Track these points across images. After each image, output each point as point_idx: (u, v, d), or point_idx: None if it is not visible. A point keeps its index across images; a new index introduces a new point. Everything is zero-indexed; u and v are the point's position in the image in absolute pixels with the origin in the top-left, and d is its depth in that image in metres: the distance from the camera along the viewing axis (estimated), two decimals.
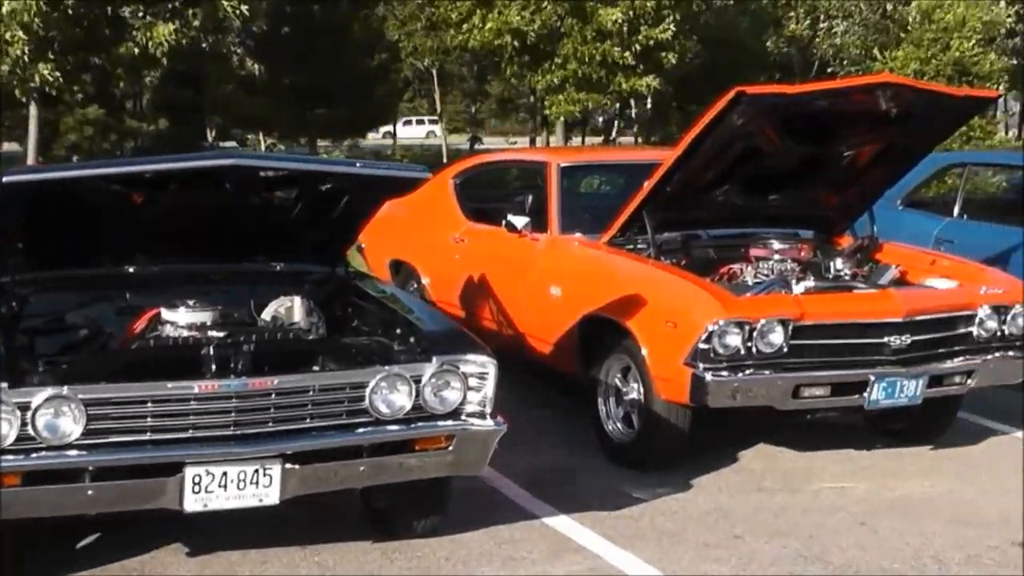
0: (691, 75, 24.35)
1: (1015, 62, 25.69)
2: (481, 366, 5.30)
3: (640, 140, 33.27)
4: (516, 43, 21.81)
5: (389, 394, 5.14)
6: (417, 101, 50.46)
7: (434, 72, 37.33)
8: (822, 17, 25.40)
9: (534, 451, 7.24)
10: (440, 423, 5.25)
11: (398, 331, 5.60)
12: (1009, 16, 23.50)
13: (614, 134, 40.91)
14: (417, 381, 5.18)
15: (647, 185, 7.26)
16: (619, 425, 7.22)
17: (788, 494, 6.72)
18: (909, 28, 21.18)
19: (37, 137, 21.82)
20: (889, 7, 22.40)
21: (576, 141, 41.01)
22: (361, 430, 5.14)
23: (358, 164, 6.20)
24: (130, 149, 25.82)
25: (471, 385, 5.28)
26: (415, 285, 9.78)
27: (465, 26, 22.46)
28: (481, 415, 5.31)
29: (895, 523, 6.28)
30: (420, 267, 9.78)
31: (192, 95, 28.97)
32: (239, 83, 29.61)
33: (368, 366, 5.21)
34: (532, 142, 44.08)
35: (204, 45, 22.91)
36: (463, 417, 5.28)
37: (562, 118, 23.98)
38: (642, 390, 6.91)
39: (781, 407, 6.67)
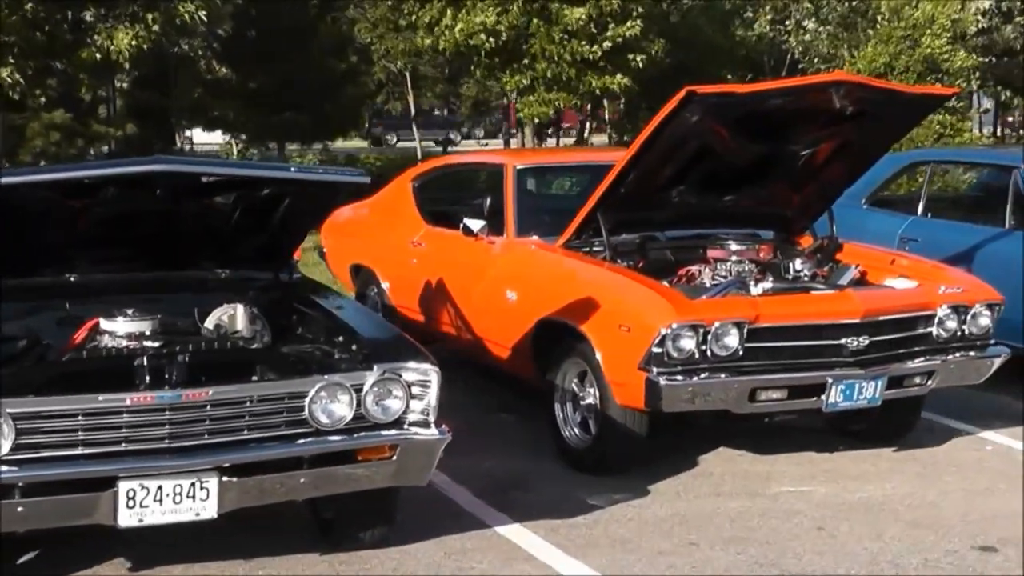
0: (661, 74, 24.22)
1: (985, 59, 25.65)
2: (423, 374, 5.18)
3: (612, 140, 33.18)
4: (492, 41, 21.71)
5: (329, 404, 5.03)
6: (391, 104, 50.26)
7: (407, 75, 37.10)
8: (791, 15, 25.37)
9: (489, 457, 7.14)
10: (383, 433, 5.14)
11: (339, 339, 5.49)
12: (976, 18, 23.48)
13: (586, 134, 40.79)
14: (358, 390, 5.07)
15: (601, 187, 7.16)
16: (576, 430, 7.13)
17: (747, 499, 6.64)
18: (878, 26, 21.14)
19: (2, 143, 21.56)
20: (856, 2, 22.40)
21: (551, 142, 40.93)
22: (301, 441, 5.03)
23: (293, 169, 6.11)
24: (102, 155, 25.57)
25: (414, 393, 5.16)
26: (375, 289, 9.68)
27: (436, 29, 22.34)
28: (424, 424, 5.20)
29: (854, 527, 6.20)
30: (380, 271, 9.66)
31: (159, 98, 28.70)
32: (206, 86, 29.41)
33: (307, 375, 5.10)
34: (506, 143, 43.96)
35: (175, 49, 22.71)
36: (406, 426, 5.17)
37: (535, 119, 23.80)
38: (598, 395, 6.82)
39: (738, 411, 6.58)
